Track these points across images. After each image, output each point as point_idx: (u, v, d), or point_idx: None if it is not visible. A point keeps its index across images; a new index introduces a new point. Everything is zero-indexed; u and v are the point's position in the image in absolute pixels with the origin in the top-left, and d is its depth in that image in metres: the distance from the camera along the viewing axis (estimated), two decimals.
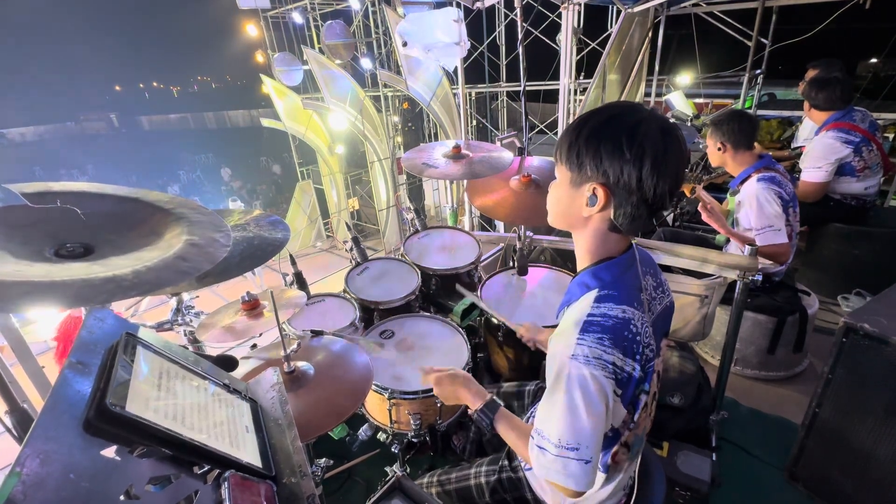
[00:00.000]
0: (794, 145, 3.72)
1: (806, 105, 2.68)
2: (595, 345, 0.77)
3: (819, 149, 2.52)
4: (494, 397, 1.04)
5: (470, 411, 1.05)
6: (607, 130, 0.77)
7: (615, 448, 0.90)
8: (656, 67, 4.70)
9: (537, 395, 1.36)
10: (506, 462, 1.15)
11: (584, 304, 0.82)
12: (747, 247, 1.61)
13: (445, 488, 1.21)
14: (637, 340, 0.80)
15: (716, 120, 2.09)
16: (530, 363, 1.75)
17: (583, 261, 0.90)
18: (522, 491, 1.09)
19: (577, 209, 0.84)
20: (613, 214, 0.81)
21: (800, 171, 2.71)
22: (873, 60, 9.53)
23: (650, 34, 4.46)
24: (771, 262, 1.98)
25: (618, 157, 0.76)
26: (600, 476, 0.94)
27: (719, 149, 2.08)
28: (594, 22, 4.50)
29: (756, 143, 2.09)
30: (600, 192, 0.79)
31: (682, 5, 4.27)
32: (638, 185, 0.76)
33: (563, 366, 0.79)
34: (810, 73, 3.16)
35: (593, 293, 0.83)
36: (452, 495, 1.19)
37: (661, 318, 0.94)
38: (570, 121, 0.85)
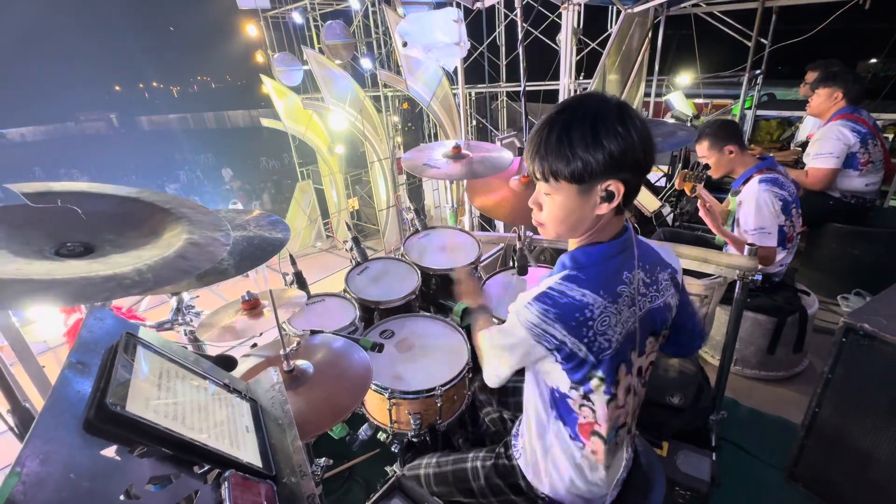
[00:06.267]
0: (794, 144, 3.72)
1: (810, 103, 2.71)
2: (538, 315, 0.83)
3: (828, 136, 2.53)
4: (487, 307, 1.28)
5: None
6: (592, 125, 0.76)
7: (584, 429, 0.94)
8: (656, 67, 4.71)
9: None
10: (502, 450, 1.17)
11: (550, 280, 0.86)
12: (747, 247, 1.61)
13: (442, 469, 1.23)
14: (589, 325, 0.82)
15: (707, 132, 2.12)
16: None
17: (572, 246, 0.93)
18: (516, 478, 1.11)
19: (590, 212, 0.83)
20: (624, 198, 0.82)
21: (803, 165, 2.71)
22: (873, 60, 9.52)
23: (650, 34, 4.46)
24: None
25: (619, 141, 0.76)
26: (575, 454, 0.98)
27: (731, 153, 2.08)
28: (594, 22, 4.50)
29: (756, 144, 2.10)
30: (617, 187, 0.79)
31: (682, 5, 4.28)
32: (644, 156, 0.79)
33: (512, 319, 0.89)
34: (810, 76, 3.16)
35: (564, 272, 0.86)
36: (448, 477, 1.21)
37: (649, 316, 0.92)
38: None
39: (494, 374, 1.00)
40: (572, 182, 0.80)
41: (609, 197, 0.81)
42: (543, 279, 0.91)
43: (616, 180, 0.79)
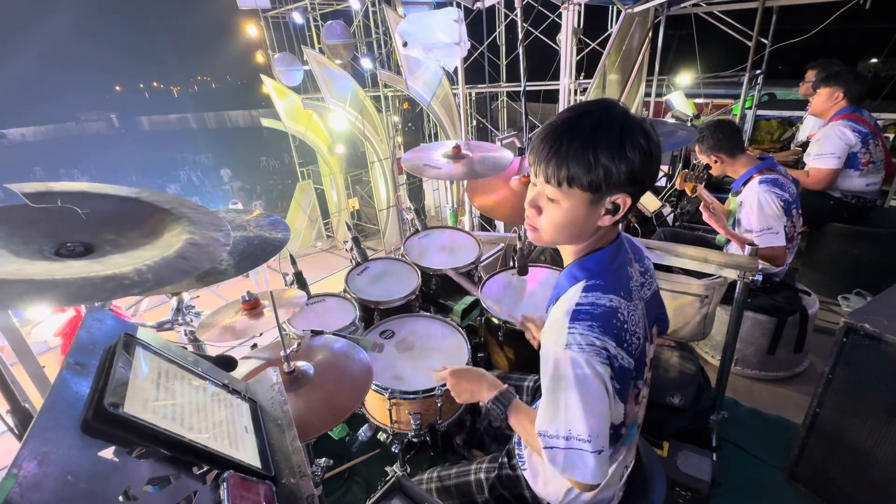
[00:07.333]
0: (795, 144, 3.72)
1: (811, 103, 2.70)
2: (587, 332, 0.77)
3: (829, 136, 2.53)
4: (510, 388, 1.05)
5: (484, 401, 1.06)
6: (619, 136, 0.73)
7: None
8: (656, 67, 4.70)
9: (537, 392, 1.36)
10: (505, 460, 1.15)
11: (573, 295, 0.83)
12: (748, 247, 1.60)
13: (445, 484, 1.21)
14: (625, 328, 0.81)
15: (700, 138, 2.15)
16: (531, 362, 1.75)
17: (571, 256, 0.90)
18: (521, 489, 1.09)
19: (593, 222, 0.82)
20: (626, 212, 0.81)
21: (804, 165, 2.71)
22: (873, 60, 9.51)
23: (650, 34, 4.46)
24: (767, 264, 1.99)
25: (641, 156, 0.74)
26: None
27: (716, 161, 2.15)
28: (594, 22, 4.49)
29: (756, 144, 2.11)
30: (625, 200, 0.78)
31: (682, 5, 4.27)
32: (655, 174, 0.79)
33: (558, 358, 0.79)
34: (810, 75, 3.16)
35: (581, 284, 0.83)
36: (452, 491, 1.19)
37: (651, 302, 0.94)
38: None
39: (595, 461, 0.80)
40: (586, 191, 0.76)
41: (614, 210, 0.79)
42: (553, 304, 0.87)
43: (625, 194, 0.77)
